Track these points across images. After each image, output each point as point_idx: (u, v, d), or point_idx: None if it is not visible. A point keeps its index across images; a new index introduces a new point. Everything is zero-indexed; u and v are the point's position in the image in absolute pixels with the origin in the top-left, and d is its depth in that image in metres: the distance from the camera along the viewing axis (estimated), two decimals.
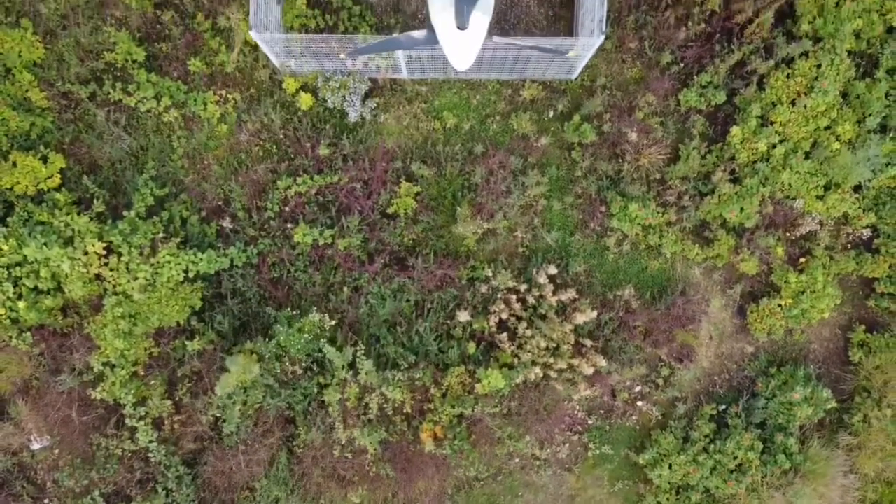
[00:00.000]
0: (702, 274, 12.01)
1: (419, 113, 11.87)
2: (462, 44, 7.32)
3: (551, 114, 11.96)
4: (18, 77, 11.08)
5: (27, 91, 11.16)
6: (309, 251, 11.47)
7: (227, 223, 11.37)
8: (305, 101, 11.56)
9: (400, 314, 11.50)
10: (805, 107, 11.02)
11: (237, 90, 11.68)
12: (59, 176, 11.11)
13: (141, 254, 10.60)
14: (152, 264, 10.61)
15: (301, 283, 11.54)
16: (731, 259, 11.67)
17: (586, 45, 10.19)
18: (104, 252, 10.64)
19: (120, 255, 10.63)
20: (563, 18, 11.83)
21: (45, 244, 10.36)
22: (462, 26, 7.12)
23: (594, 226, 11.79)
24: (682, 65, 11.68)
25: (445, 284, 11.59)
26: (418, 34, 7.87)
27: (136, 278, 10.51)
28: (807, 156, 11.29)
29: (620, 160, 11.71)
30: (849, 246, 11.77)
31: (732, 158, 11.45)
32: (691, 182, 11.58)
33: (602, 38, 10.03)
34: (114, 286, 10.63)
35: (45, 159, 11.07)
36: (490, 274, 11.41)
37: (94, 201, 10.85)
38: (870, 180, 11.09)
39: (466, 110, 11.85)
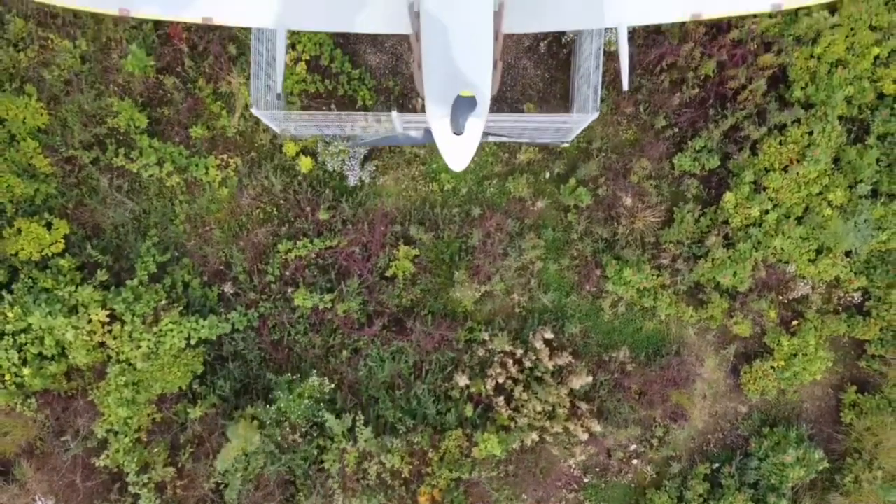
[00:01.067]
0: (696, 334, 12.20)
1: (417, 175, 12.05)
2: (458, 147, 7.52)
3: (547, 175, 12.14)
4: (23, 145, 11.26)
5: (31, 158, 11.34)
6: (309, 314, 11.65)
7: (228, 288, 11.55)
8: (305, 164, 11.75)
9: (399, 376, 11.69)
10: (797, 174, 11.20)
11: (238, 154, 11.86)
12: (62, 241, 11.30)
13: (144, 322, 10.79)
14: (155, 333, 10.80)
15: (301, 345, 11.73)
16: (724, 321, 11.85)
17: (580, 119, 10.37)
18: (107, 319, 10.83)
19: (123, 322, 10.81)
20: (559, 80, 12.00)
21: (49, 313, 10.55)
22: (458, 132, 7.31)
23: (590, 288, 11.97)
24: (676, 129, 11.85)
25: (443, 346, 11.77)
26: (416, 133, 8.08)
27: (139, 347, 10.70)
28: (799, 221, 11.47)
29: (616, 223, 11.89)
30: (840, 309, 11.95)
31: (726, 222, 11.63)
32: (685, 245, 11.76)
33: (596, 114, 10.22)
34: (117, 354, 10.82)
35: (49, 226, 11.25)
36: (487, 337, 11.60)
37: (98, 271, 11.03)
38: (861, 245, 11.26)
39: (464, 173, 12.03)
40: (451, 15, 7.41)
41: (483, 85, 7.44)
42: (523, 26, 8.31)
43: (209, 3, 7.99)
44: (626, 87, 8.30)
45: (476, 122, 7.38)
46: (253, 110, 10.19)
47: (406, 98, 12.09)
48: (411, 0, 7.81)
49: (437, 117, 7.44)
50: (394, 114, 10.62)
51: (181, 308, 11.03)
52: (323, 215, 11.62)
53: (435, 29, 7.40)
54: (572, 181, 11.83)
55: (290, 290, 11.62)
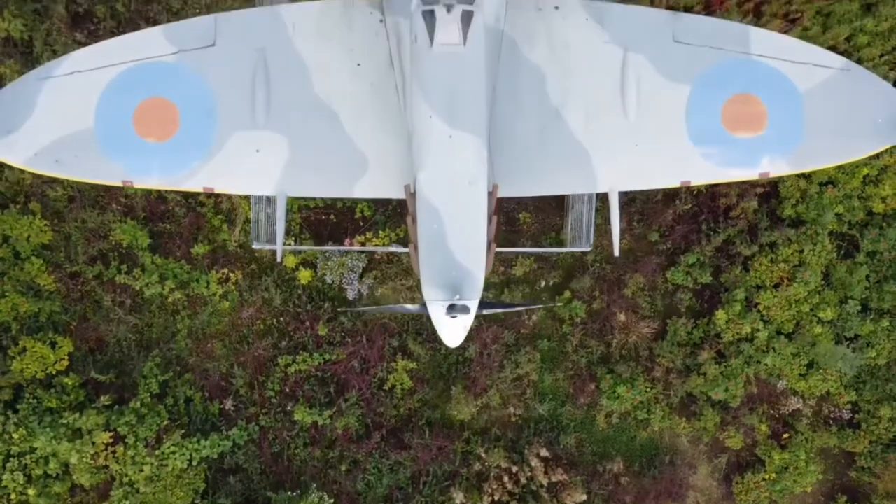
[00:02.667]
0: (689, 443, 12.40)
1: (415, 286, 12.25)
2: (453, 327, 7.72)
3: (543, 284, 12.34)
4: (28, 266, 11.46)
5: (36, 276, 11.55)
6: (308, 427, 11.86)
7: (229, 404, 11.76)
8: (305, 276, 11.96)
9: (397, 489, 11.91)
10: (788, 293, 11.39)
11: (239, 266, 12.07)
12: (66, 359, 11.50)
13: (146, 445, 11.00)
14: (157, 455, 11.01)
15: (300, 458, 11.94)
16: (716, 433, 12.06)
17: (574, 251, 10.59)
18: (111, 440, 11.04)
19: (126, 444, 11.02)
20: (555, 197, 12.19)
21: (54, 437, 10.76)
22: (454, 316, 7.52)
23: (584, 399, 12.17)
24: (669, 244, 12.04)
25: (441, 457, 11.98)
26: (412, 307, 8.30)
27: (142, 471, 10.91)
28: (789, 338, 11.67)
29: (610, 335, 12.09)
30: (831, 422, 12.15)
31: (718, 336, 11.83)
32: (679, 358, 11.95)
33: (589, 248, 10.45)
34: (120, 477, 11.03)
35: (53, 345, 11.45)
36: (483, 453, 11.80)
37: (102, 396, 11.24)
38: (849, 370, 11.47)
39: None
40: (445, 200, 7.59)
41: (476, 269, 7.62)
42: (516, 192, 8.51)
43: (209, 175, 8.17)
44: (616, 253, 8.49)
45: (471, 304, 7.58)
46: (254, 245, 10.39)
47: (404, 209, 12.28)
48: (407, 181, 8.02)
49: (431, 299, 7.64)
50: (393, 247, 10.85)
51: (183, 431, 11.25)
52: (322, 330, 11.83)
53: (430, 215, 7.58)
54: (567, 294, 12.03)
55: (290, 404, 11.84)
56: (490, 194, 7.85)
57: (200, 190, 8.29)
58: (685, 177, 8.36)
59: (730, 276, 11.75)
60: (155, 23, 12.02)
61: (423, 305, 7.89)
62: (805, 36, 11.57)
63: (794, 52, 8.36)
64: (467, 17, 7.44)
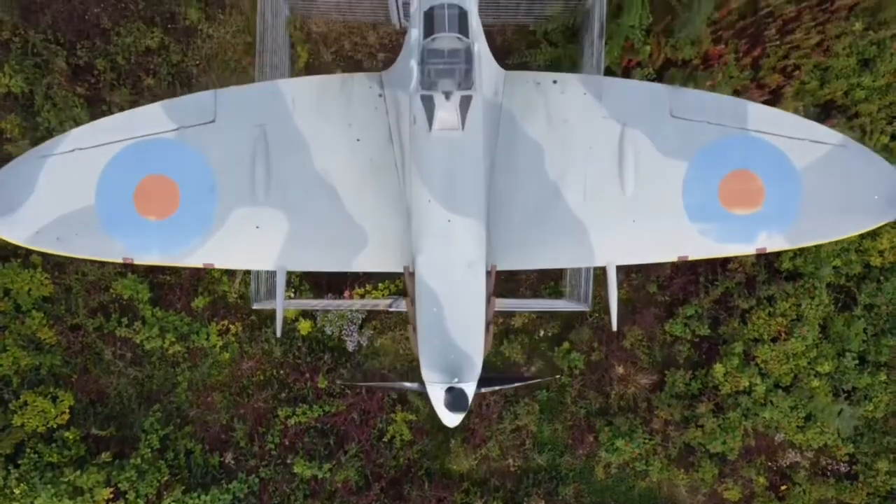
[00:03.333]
0: (687, 493, 12.44)
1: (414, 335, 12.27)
2: (451, 412, 7.77)
3: (542, 333, 12.38)
4: (29, 321, 11.52)
5: (37, 330, 11.60)
6: (308, 479, 11.91)
7: (229, 457, 11.82)
8: (304, 327, 12.01)
9: None
10: (786, 347, 11.44)
11: (239, 318, 12.11)
12: (67, 413, 11.56)
13: (147, 502, 11.06)
14: None
15: None
16: (714, 485, 12.11)
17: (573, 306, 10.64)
18: (112, 496, 11.10)
19: (127, 500, 11.08)
20: None
21: (55, 494, 10.82)
22: (452, 398, 7.57)
23: (583, 451, 12.21)
24: (667, 296, 12.09)
25: None
26: (411, 385, 8.35)
27: None
28: (787, 391, 11.71)
29: (609, 386, 12.14)
30: (828, 474, 12.19)
31: (716, 388, 11.87)
32: (677, 410, 11.98)
33: (588, 307, 10.50)
34: None
35: (54, 399, 11.51)
36: None
37: (103, 453, 11.29)
38: (845, 430, 11.53)
39: None
40: (444, 284, 7.64)
41: (475, 352, 7.67)
42: (514, 265, 8.54)
43: (209, 251, 8.22)
44: (615, 327, 8.55)
45: (469, 387, 7.63)
46: (254, 306, 10.44)
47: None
48: (407, 257, 8.07)
49: (430, 381, 7.69)
50: (393, 306, 10.88)
51: (184, 486, 11.30)
52: (322, 383, 11.88)
53: (428, 299, 7.63)
54: (566, 345, 12.09)
55: (290, 456, 11.89)
56: (489, 274, 7.90)
57: (200, 266, 8.33)
58: (682, 252, 8.41)
59: (728, 329, 11.79)
60: (155, 74, 12.13)
61: (422, 384, 7.94)
62: (803, 89, 11.67)
63: (791, 128, 8.41)
64: (466, 102, 7.48)
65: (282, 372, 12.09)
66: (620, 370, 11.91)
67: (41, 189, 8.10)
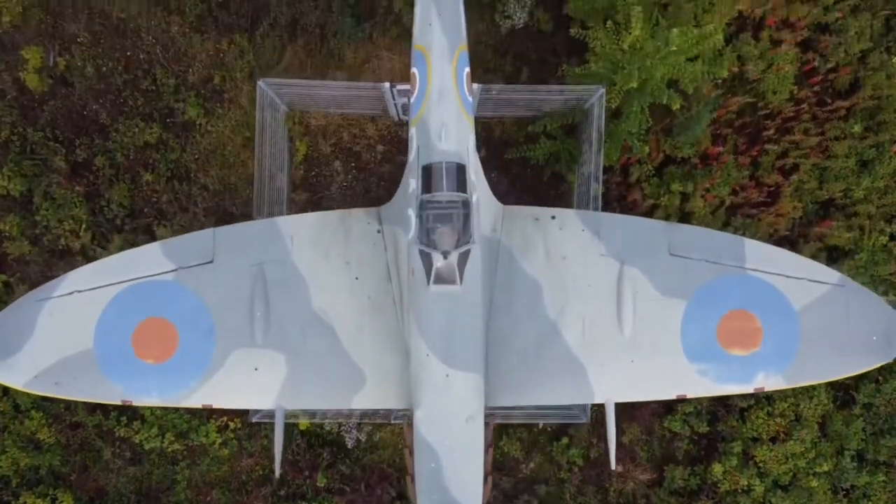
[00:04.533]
0: None
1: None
2: None
3: (541, 425, 12.38)
4: (28, 421, 11.52)
5: (36, 431, 11.60)
6: None
7: None
8: (303, 423, 12.00)
9: None
10: (785, 448, 11.45)
11: (238, 413, 12.09)
12: None
13: None
14: None
15: None
16: None
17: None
18: None
19: None
20: None
21: None
22: None
23: None
24: None
25: None
26: None
27: None
28: (786, 489, 11.72)
29: (608, 482, 12.14)
30: None
31: (715, 485, 11.87)
32: None
33: (587, 419, 10.51)
34: None
35: (53, 500, 11.51)
36: None
37: None
38: None
39: None
40: (443, 438, 7.65)
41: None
42: (511, 401, 8.55)
43: (208, 393, 8.24)
44: (613, 465, 8.55)
45: None
46: (252, 419, 10.44)
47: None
48: (406, 404, 8.08)
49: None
50: (393, 415, 10.86)
51: None
52: (321, 481, 11.88)
53: (427, 454, 7.65)
54: (565, 440, 12.09)
55: None
56: (487, 425, 7.91)
57: (199, 406, 8.34)
58: (681, 391, 8.43)
59: (727, 426, 11.80)
60: (153, 170, 12.11)
61: None
62: (802, 188, 11.65)
63: (789, 267, 8.43)
64: (464, 257, 7.50)
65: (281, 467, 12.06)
66: (619, 467, 11.90)
67: (40, 332, 8.13)
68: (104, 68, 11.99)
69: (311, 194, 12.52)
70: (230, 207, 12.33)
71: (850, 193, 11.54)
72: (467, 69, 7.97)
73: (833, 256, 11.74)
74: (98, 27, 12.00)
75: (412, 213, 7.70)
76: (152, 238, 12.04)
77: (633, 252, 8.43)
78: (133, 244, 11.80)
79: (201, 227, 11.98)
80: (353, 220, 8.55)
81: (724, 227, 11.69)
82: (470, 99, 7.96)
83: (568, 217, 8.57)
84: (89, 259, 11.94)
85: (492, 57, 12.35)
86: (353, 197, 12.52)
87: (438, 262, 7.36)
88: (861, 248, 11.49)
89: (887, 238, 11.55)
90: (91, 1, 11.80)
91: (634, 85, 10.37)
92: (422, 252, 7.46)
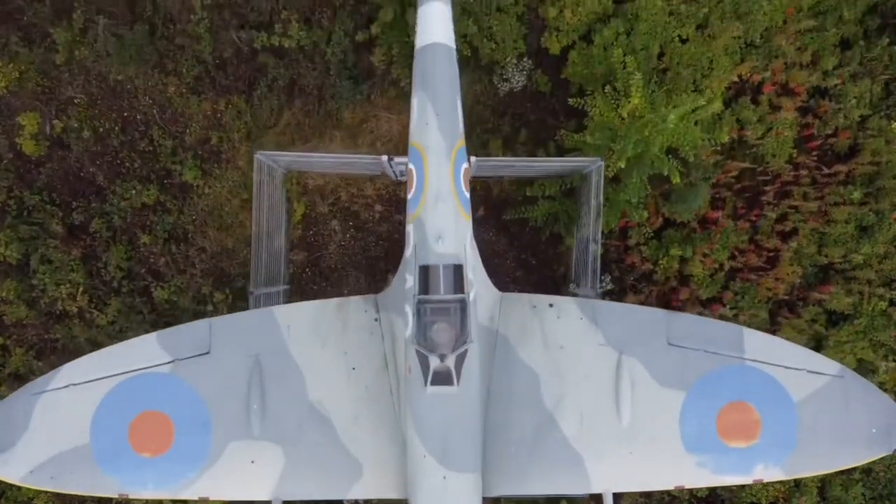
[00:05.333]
0: None
1: None
2: None
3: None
4: (25, 490, 11.49)
5: (33, 497, 11.57)
6: None
7: None
8: None
9: None
10: None
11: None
12: None
13: None
14: None
15: None
16: None
17: None
18: None
19: None
20: None
21: None
22: None
23: None
24: None
25: None
26: None
27: None
28: None
29: None
30: None
31: None
32: None
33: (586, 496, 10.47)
34: None
35: None
36: None
37: None
38: None
39: None
40: None
41: None
42: (508, 490, 8.47)
43: (205, 486, 8.19)
44: None
45: None
46: None
47: None
48: (402, 494, 8.06)
49: None
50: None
51: None
52: None
53: None
54: None
55: None
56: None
57: (196, 499, 8.31)
58: (679, 482, 8.38)
59: (726, 491, 11.76)
60: (151, 231, 12.08)
61: None
62: (801, 252, 11.61)
63: (787, 357, 8.40)
64: (461, 357, 7.46)
65: None
66: None
67: (35, 427, 8.09)
68: (101, 129, 11.96)
69: (308, 253, 12.49)
70: (228, 268, 12.30)
71: (850, 258, 11.48)
72: (465, 165, 7.94)
73: (832, 320, 11.72)
74: (95, 88, 11.97)
75: (409, 310, 7.67)
76: (150, 300, 12.08)
77: (631, 341, 8.39)
78: (131, 307, 11.93)
79: (199, 289, 12.13)
80: (350, 309, 8.52)
81: (723, 290, 11.68)
82: (468, 194, 7.93)
83: (566, 305, 8.53)
84: (87, 322, 11.98)
85: (490, 116, 12.32)
86: (352, 256, 12.51)
87: (435, 363, 7.33)
88: (861, 312, 11.45)
89: (887, 303, 11.49)
90: (88, 64, 11.73)
91: (630, 156, 10.37)
92: (419, 352, 7.43)
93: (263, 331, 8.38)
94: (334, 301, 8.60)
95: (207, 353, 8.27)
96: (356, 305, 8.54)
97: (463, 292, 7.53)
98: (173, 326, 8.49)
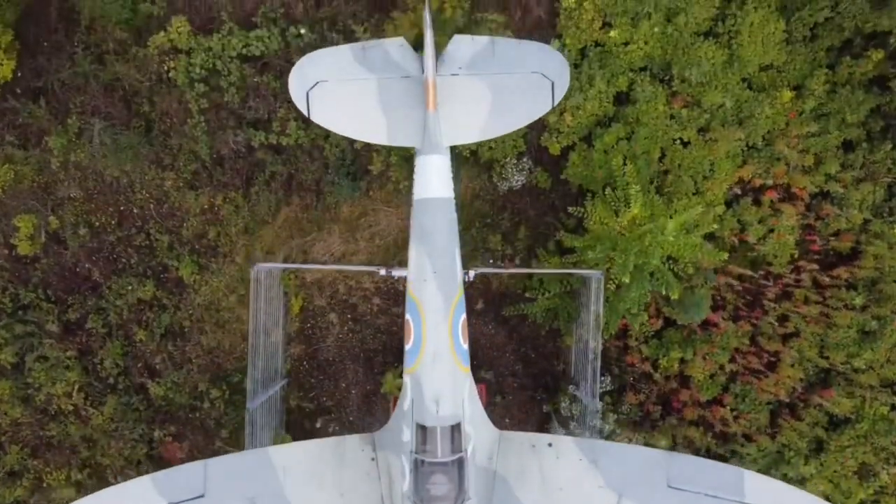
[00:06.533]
0: None
1: None
2: None
3: None
4: None
5: None
6: None
7: None
8: None
9: None
10: None
11: None
12: None
13: None
14: None
15: None
16: None
17: None
18: None
19: None
20: None
21: None
22: None
23: None
24: None
25: None
26: None
27: None
28: None
29: None
30: None
31: None
32: None
33: None
34: None
35: None
36: None
37: None
38: None
39: None
40: None
41: None
42: None
43: None
44: None
45: None
46: None
47: None
48: None
49: None
50: None
51: None
52: None
53: None
54: None
55: None
56: None
57: None
58: None
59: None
60: (147, 327, 11.99)
61: None
62: (802, 354, 11.52)
63: (787, 501, 8.29)
64: None
65: None
66: None
67: None
68: (97, 223, 11.85)
69: (306, 346, 12.40)
70: (225, 363, 12.21)
71: (852, 361, 11.39)
72: (463, 316, 7.85)
73: (833, 423, 11.64)
74: (91, 183, 11.86)
75: (406, 463, 7.59)
76: (146, 397, 11.99)
77: (631, 484, 8.29)
78: (127, 405, 11.86)
79: (195, 385, 12.04)
80: (347, 448, 8.43)
81: (724, 391, 11.60)
82: (466, 346, 7.84)
83: (565, 445, 8.44)
84: (82, 419, 11.90)
85: (489, 211, 12.21)
86: (350, 349, 12.41)
87: None
88: (862, 416, 11.37)
89: (888, 408, 11.41)
90: (83, 164, 11.62)
91: (632, 270, 10.29)
92: None
93: (259, 474, 8.28)
94: (331, 440, 8.51)
95: (202, 496, 8.17)
96: (353, 444, 8.45)
97: (461, 450, 7.44)
98: (168, 469, 8.38)
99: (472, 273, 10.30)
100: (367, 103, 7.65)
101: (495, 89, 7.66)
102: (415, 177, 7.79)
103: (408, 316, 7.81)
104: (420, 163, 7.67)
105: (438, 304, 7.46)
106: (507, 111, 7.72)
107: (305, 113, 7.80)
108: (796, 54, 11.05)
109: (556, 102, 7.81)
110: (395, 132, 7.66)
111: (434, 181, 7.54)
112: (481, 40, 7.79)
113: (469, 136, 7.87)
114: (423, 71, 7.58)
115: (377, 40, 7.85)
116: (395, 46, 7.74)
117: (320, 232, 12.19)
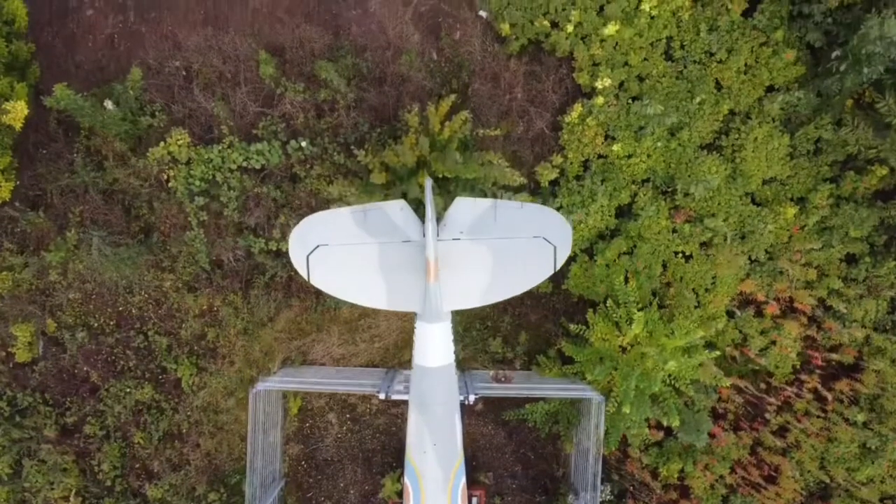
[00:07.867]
0: None
1: None
2: None
3: None
4: None
5: None
6: None
7: None
8: None
9: None
10: None
11: None
12: None
13: None
14: None
15: None
16: None
17: None
18: None
19: None
20: None
21: None
22: None
23: None
24: None
25: None
26: None
27: None
28: None
29: None
30: None
31: None
32: None
33: None
34: None
35: None
36: None
37: None
38: None
39: None
40: None
41: None
42: None
43: None
44: None
45: None
46: None
47: None
48: None
49: None
50: None
51: None
52: None
53: None
54: None
55: None
56: None
57: None
58: None
59: None
60: (145, 430, 11.93)
61: None
62: (802, 465, 11.45)
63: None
64: None
65: None
66: None
67: None
68: (95, 325, 11.78)
69: (304, 447, 12.34)
70: (223, 465, 12.15)
71: (853, 475, 11.32)
72: (463, 480, 7.78)
73: None
74: (89, 285, 11.79)
75: None
76: (144, 501, 11.94)
77: None
78: None
79: (193, 487, 11.99)
80: None
81: (724, 502, 11.55)
82: None
83: None
84: None
85: (490, 313, 12.14)
86: (348, 449, 12.35)
87: None
88: None
89: None
90: (80, 268, 11.55)
91: (628, 411, 10.26)
92: None
93: None
94: None
95: None
96: None
97: None
98: None
99: (472, 397, 10.27)
100: (368, 268, 7.58)
101: (497, 254, 7.59)
102: (415, 339, 7.72)
103: (406, 480, 7.75)
104: (420, 330, 7.59)
105: (437, 475, 7.40)
106: (508, 276, 7.65)
107: (305, 277, 7.73)
108: (800, 168, 10.96)
109: (558, 267, 7.73)
110: (396, 298, 7.59)
111: (433, 351, 7.47)
112: (483, 203, 7.71)
113: (470, 301, 7.80)
114: (423, 234, 7.51)
115: (378, 203, 7.76)
116: (395, 209, 7.66)
117: (320, 333, 12.13)
